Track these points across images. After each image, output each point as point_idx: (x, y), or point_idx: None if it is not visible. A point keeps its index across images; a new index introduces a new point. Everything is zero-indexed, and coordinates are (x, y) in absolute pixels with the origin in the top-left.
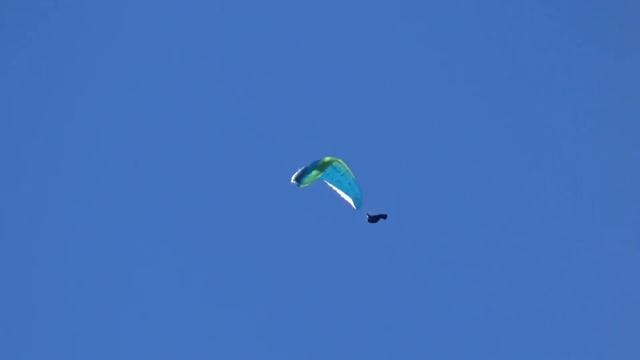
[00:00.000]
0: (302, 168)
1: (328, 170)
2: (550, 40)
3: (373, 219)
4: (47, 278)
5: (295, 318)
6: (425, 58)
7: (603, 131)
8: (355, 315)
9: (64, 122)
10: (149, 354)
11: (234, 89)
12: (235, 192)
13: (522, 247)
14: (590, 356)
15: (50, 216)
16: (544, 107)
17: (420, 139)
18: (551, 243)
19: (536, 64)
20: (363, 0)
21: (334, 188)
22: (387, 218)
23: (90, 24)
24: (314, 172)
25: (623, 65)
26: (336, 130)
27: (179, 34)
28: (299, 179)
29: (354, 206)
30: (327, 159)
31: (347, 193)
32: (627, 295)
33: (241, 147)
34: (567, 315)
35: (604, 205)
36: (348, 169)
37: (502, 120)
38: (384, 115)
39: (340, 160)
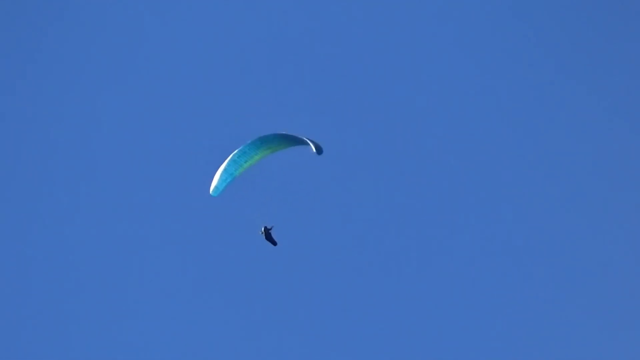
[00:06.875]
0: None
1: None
2: (551, 40)
3: (268, 237)
4: (45, 278)
5: (294, 318)
6: (424, 57)
7: (602, 131)
8: (354, 316)
9: (62, 121)
10: (148, 354)
11: (233, 88)
12: (234, 191)
13: (521, 246)
14: (589, 356)
15: (48, 215)
16: (543, 106)
17: (420, 138)
18: (550, 242)
19: (535, 64)
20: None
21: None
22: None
23: (87, 23)
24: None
25: (623, 65)
26: (335, 129)
27: (177, 34)
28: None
29: (314, 150)
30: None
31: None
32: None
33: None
34: (566, 314)
35: (603, 205)
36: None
37: (501, 120)
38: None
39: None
